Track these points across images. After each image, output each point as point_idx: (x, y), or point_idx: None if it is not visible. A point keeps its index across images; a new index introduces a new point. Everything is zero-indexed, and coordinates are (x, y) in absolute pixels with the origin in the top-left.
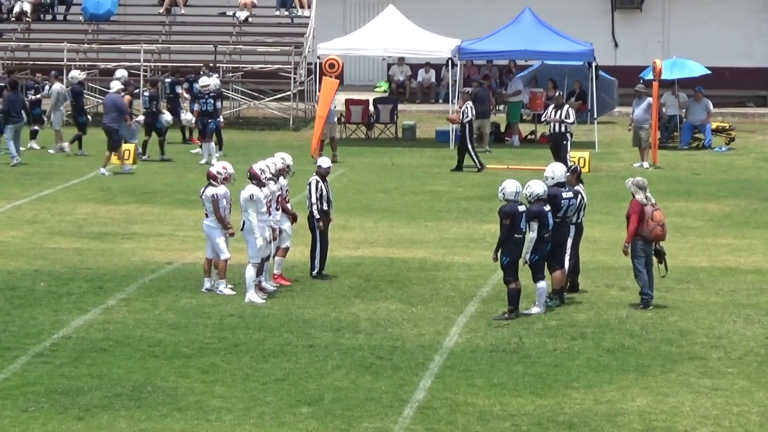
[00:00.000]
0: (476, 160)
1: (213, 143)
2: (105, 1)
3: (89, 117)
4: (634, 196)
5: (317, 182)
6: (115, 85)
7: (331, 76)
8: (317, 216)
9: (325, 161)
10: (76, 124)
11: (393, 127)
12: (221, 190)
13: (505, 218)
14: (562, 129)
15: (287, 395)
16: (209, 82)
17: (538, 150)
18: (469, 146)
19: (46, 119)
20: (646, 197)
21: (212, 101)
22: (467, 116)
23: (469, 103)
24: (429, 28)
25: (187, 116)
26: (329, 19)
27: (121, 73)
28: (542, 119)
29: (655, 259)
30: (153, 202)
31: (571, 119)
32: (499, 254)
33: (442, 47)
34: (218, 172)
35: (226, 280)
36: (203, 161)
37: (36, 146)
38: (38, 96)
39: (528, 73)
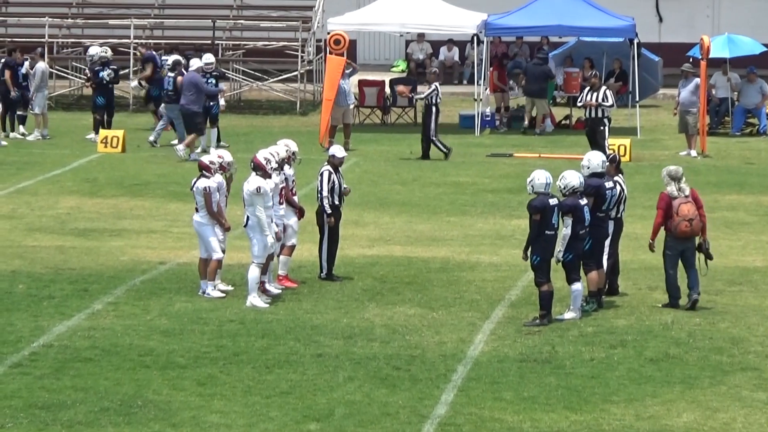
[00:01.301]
0: (441, 146)
1: (216, 129)
2: None
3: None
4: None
5: (330, 173)
6: (195, 63)
7: (337, 54)
8: (329, 211)
9: (339, 150)
10: (93, 107)
11: (411, 112)
12: (215, 181)
13: (534, 213)
14: (599, 114)
15: (293, 410)
16: (212, 59)
17: (573, 137)
18: (431, 132)
19: (32, 101)
20: (679, 189)
21: (214, 81)
22: (433, 99)
23: (436, 84)
24: (452, 1)
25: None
26: None
27: (95, 50)
28: (578, 103)
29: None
30: (144, 195)
31: (610, 102)
32: (529, 253)
33: (467, 22)
34: (211, 162)
35: (216, 282)
36: (198, 149)
37: (27, 133)
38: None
39: (562, 51)
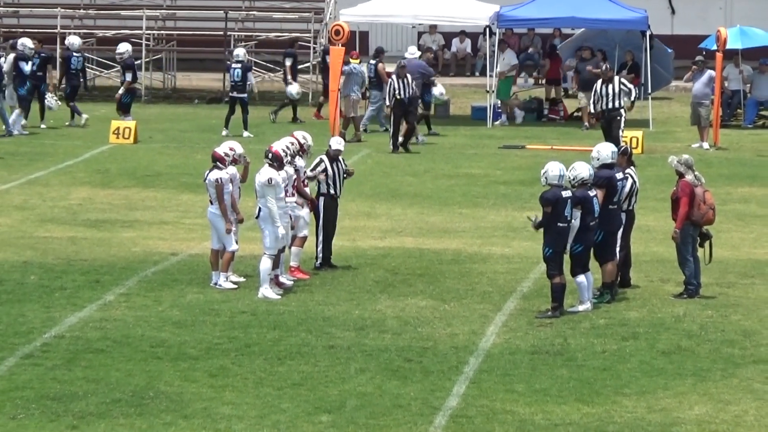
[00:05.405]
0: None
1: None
2: None
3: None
4: (682, 176)
5: (321, 161)
6: (414, 51)
7: (337, 45)
8: (325, 195)
9: (335, 143)
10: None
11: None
12: (227, 173)
13: (546, 205)
14: (616, 104)
15: (305, 402)
16: (123, 49)
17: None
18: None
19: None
20: (696, 176)
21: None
22: (400, 93)
23: (394, 77)
24: None
25: (294, 88)
26: None
27: (124, 47)
28: (590, 109)
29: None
30: (156, 186)
31: (624, 99)
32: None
33: (479, 14)
34: (226, 154)
35: (228, 273)
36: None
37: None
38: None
39: (572, 42)
